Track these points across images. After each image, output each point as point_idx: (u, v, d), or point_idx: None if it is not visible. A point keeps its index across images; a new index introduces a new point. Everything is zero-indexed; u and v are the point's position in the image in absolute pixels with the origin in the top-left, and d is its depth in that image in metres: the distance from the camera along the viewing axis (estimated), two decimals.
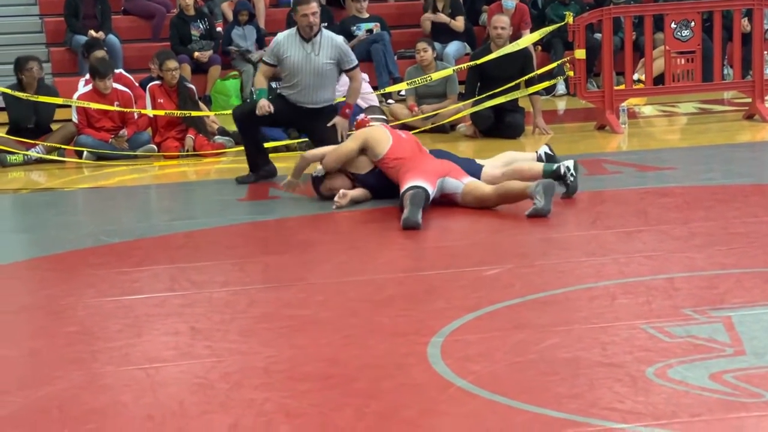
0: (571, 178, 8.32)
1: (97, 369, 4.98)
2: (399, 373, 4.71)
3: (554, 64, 13.12)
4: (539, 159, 8.64)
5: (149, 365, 4.96)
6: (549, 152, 8.80)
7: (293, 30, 9.61)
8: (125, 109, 11.66)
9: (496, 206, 7.95)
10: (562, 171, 8.35)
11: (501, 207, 7.94)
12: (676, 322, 5.14)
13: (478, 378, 4.57)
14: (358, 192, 8.54)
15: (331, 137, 9.29)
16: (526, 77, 11.86)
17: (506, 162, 8.61)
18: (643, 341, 4.92)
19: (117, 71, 12.62)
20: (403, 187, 7.85)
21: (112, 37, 15.39)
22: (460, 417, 4.21)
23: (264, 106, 9.43)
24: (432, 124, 12.22)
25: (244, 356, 5.07)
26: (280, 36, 9.65)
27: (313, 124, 9.58)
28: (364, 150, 8.44)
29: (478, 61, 11.81)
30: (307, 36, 9.43)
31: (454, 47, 15.66)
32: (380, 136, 8.41)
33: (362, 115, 9.00)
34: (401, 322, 5.45)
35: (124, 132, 11.55)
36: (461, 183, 8.08)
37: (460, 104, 12.19)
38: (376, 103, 12.41)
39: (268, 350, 5.13)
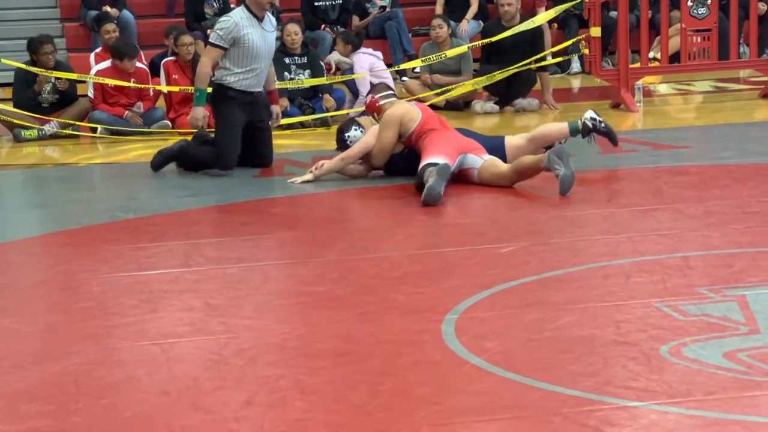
0: (603, 126, 8.36)
1: (112, 344, 5.00)
2: (413, 351, 4.72)
3: (569, 42, 13.07)
4: (584, 125, 8.44)
5: (164, 341, 4.97)
6: (594, 116, 8.47)
7: (243, 9, 9.02)
8: (141, 86, 11.67)
9: (512, 184, 7.93)
10: (590, 124, 8.36)
11: (517, 185, 7.93)
12: (690, 301, 5.14)
13: (493, 355, 4.58)
14: (354, 168, 8.52)
15: (268, 124, 9.28)
16: (536, 57, 11.81)
17: (530, 133, 8.57)
18: (657, 320, 4.91)
19: None
20: (423, 163, 7.84)
21: (126, 13, 15.36)
22: (474, 394, 4.22)
23: (200, 118, 8.96)
24: (445, 101, 12.20)
25: (258, 333, 5.08)
26: (236, 16, 8.97)
27: (257, 111, 9.17)
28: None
29: (492, 39, 11.82)
30: (261, 15, 8.99)
31: (468, 25, 15.60)
32: (411, 112, 8.33)
33: (369, 96, 8.84)
34: (416, 299, 5.46)
35: (139, 104, 11.57)
36: (480, 159, 8.06)
37: (472, 80, 12.18)
38: (390, 80, 12.39)
39: (282, 327, 5.14)
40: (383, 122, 8.40)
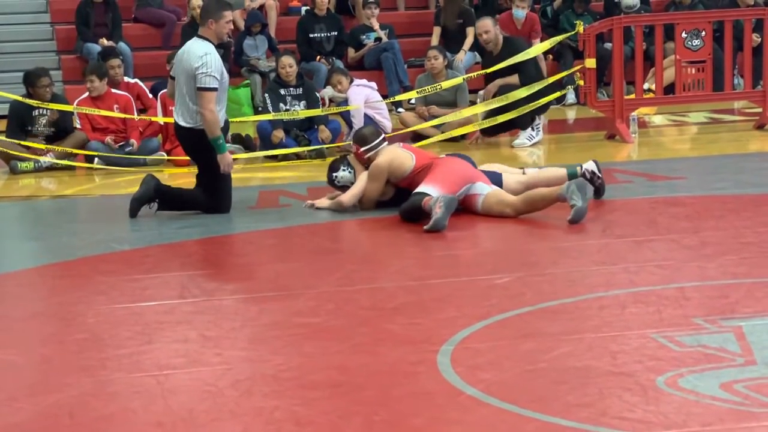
0: (599, 179, 8.44)
1: (106, 376, 4.99)
2: (408, 381, 4.71)
3: (564, 73, 13.10)
4: (583, 175, 8.48)
5: (159, 372, 4.96)
6: (595, 170, 8.57)
7: (204, 41, 8.65)
8: (125, 115, 11.76)
9: (519, 214, 7.93)
10: (588, 175, 8.43)
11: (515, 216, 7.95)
12: (686, 332, 5.13)
13: (488, 386, 4.57)
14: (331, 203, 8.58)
15: None
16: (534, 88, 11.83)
17: (527, 177, 8.57)
18: (653, 350, 4.91)
19: (127, 80, 12.71)
20: (417, 189, 7.89)
21: (122, 45, 15.44)
22: (469, 425, 4.21)
23: (231, 163, 8.69)
24: (442, 132, 12.21)
25: (253, 364, 5.07)
26: (212, 50, 8.58)
27: None
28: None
29: (488, 70, 11.87)
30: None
31: (464, 56, 15.66)
32: (400, 157, 8.33)
33: (355, 147, 8.69)
34: (411, 330, 5.45)
35: (132, 142, 11.62)
36: (489, 188, 8.07)
37: (470, 113, 12.19)
38: (385, 111, 12.39)
39: (277, 358, 5.13)
40: (370, 173, 8.43)
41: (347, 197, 8.51)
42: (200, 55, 8.55)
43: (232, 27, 9.02)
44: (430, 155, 8.49)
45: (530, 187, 8.38)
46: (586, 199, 7.68)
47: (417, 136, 12.14)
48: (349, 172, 8.67)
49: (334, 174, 8.76)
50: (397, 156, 8.36)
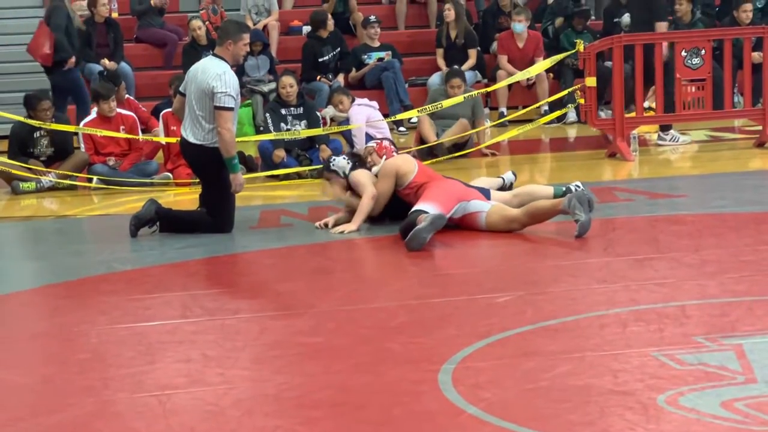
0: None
1: (109, 396, 5.00)
2: (410, 401, 4.72)
3: (564, 92, 13.12)
4: (568, 191, 8.62)
5: (161, 392, 4.97)
6: (579, 186, 8.78)
7: (221, 60, 8.66)
8: (131, 136, 11.75)
9: (523, 227, 7.99)
10: (573, 189, 8.50)
11: (513, 233, 7.96)
12: (687, 350, 5.14)
13: (489, 405, 4.58)
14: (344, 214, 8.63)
15: None
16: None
17: (518, 190, 8.73)
18: (654, 369, 4.92)
19: (127, 96, 12.74)
20: (414, 208, 7.94)
21: (124, 65, 15.45)
22: None
23: (243, 183, 8.75)
24: (447, 150, 12.24)
25: (255, 383, 5.08)
26: (230, 70, 8.62)
27: None
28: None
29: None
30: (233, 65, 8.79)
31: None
32: (408, 165, 8.47)
33: (387, 142, 8.97)
34: (412, 349, 5.46)
35: (115, 160, 11.62)
36: (487, 204, 8.14)
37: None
38: (386, 130, 12.41)
39: (279, 377, 5.14)
40: (381, 172, 8.48)
41: (371, 189, 8.47)
42: (219, 73, 8.56)
43: (248, 50, 9.09)
44: (430, 174, 8.51)
45: (519, 197, 8.49)
46: (589, 211, 7.71)
47: (430, 153, 12.16)
48: (343, 158, 8.79)
49: (333, 157, 8.87)
50: (406, 162, 8.48)
